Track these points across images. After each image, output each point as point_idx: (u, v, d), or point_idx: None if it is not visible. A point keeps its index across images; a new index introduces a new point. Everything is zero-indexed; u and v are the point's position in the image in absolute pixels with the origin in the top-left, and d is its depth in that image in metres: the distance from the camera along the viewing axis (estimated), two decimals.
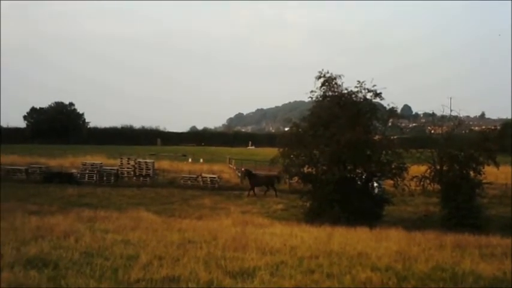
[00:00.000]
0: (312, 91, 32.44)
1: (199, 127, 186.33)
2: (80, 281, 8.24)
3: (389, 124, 34.43)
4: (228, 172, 55.46)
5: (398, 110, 35.71)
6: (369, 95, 32.02)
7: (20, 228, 14.37)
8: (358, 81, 31.85)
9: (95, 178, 49.16)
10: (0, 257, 9.21)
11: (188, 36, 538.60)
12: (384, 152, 31.35)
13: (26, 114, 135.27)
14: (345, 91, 32.18)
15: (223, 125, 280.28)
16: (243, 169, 40.91)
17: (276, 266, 10.45)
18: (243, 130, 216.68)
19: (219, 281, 8.73)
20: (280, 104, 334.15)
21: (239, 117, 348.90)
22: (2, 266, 9.06)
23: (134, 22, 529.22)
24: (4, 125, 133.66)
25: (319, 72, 32.00)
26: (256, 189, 43.56)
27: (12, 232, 13.44)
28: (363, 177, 31.93)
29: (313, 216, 29.24)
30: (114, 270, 9.22)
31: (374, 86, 31.68)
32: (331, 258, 11.76)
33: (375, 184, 33.09)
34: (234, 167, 57.45)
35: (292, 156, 32.09)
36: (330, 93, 32.32)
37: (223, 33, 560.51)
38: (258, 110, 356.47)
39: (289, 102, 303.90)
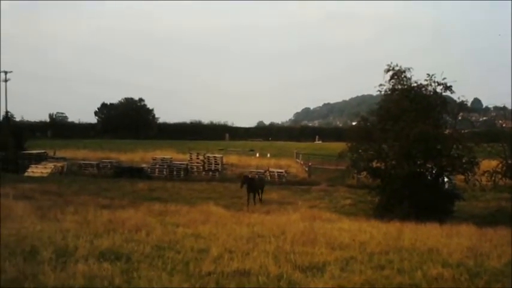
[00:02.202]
0: (380, 84, 32.13)
1: (266, 122, 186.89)
2: (152, 274, 8.38)
3: (459, 118, 33.75)
4: (295, 167, 55.40)
5: (469, 104, 34.98)
6: (438, 88, 31.46)
7: (92, 222, 14.74)
8: (428, 74, 31.35)
9: (165, 172, 49.97)
10: None
11: (258, 33, 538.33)
12: (454, 146, 30.70)
13: (96, 109, 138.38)
14: (414, 84, 31.73)
15: (290, 119, 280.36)
16: (242, 175, 38.82)
17: (345, 261, 10.43)
18: (310, 124, 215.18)
19: (289, 275, 8.76)
20: (347, 98, 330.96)
21: (306, 111, 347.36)
22: (76, 258, 9.32)
23: (206, 15, 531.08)
24: (76, 120, 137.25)
25: (388, 65, 31.65)
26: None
27: (85, 225, 13.81)
28: (433, 172, 31.40)
29: (382, 212, 28.99)
30: (185, 264, 9.36)
31: (444, 79, 31.11)
32: (401, 254, 11.67)
33: (445, 179, 32.53)
34: (302, 162, 57.34)
35: (360, 150, 31.82)
36: (399, 87, 31.91)
37: (294, 29, 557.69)
38: (325, 104, 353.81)
39: (357, 96, 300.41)
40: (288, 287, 8.21)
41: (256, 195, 34.28)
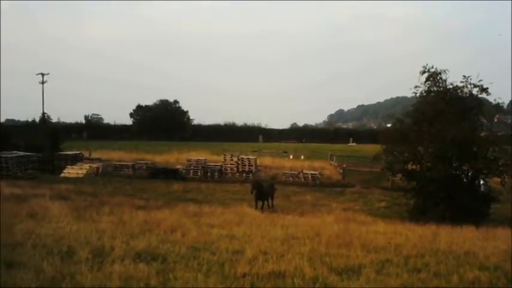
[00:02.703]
0: (416, 86, 31.89)
1: (300, 124, 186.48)
2: (188, 275, 8.39)
3: (496, 120, 33.37)
4: (329, 169, 55.25)
5: (505, 106, 34.55)
6: (474, 90, 31.13)
7: (128, 223, 14.87)
8: (464, 76, 31.03)
9: (199, 174, 50.27)
10: None
11: (290, 34, 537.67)
12: (490, 148, 30.36)
13: (132, 111, 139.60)
14: (450, 86, 31.43)
15: (324, 121, 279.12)
16: (253, 180, 36.97)
17: (381, 264, 10.34)
18: (344, 126, 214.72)
19: (324, 277, 8.71)
20: (382, 100, 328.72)
21: (340, 113, 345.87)
22: (113, 258, 9.39)
23: (246, 20, 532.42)
24: (111, 122, 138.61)
25: (424, 67, 31.43)
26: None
27: (121, 226, 13.91)
28: (469, 174, 31.09)
29: (417, 214, 28.81)
30: (220, 265, 9.36)
31: (480, 81, 30.75)
32: (437, 257, 11.54)
33: (481, 181, 32.18)
34: (336, 164, 57.16)
35: (395, 152, 31.66)
36: (435, 89, 31.64)
37: (327, 29, 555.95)
38: (359, 106, 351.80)
39: (391, 98, 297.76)
40: None
41: (265, 202, 31.71)
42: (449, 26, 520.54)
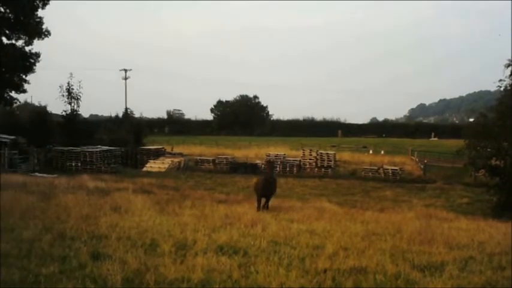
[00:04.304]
0: (500, 80, 31.17)
1: (380, 118, 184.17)
2: (269, 269, 8.45)
3: None
4: (410, 164, 54.47)
5: None
6: None
7: (209, 216, 15.06)
8: None
9: (278, 169, 50.37)
10: None
11: (368, 28, 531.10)
12: None
13: (212, 107, 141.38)
14: None
15: (405, 116, 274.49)
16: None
17: (464, 261, 10.17)
18: (425, 121, 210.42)
19: (407, 274, 8.64)
20: (464, 94, 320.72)
21: (421, 107, 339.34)
22: (195, 251, 9.58)
23: (320, 13, 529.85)
24: (192, 117, 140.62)
25: (508, 60, 30.64)
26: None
27: (203, 219, 14.12)
28: None
29: (501, 211, 28.14)
30: (301, 259, 9.39)
31: None
32: None
33: None
34: (417, 159, 56.29)
35: (478, 147, 31.06)
36: None
37: (405, 24, 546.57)
38: (440, 100, 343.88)
39: (474, 92, 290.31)
40: (406, 286, 8.12)
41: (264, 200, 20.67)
42: None
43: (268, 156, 52.32)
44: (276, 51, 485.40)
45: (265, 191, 19.88)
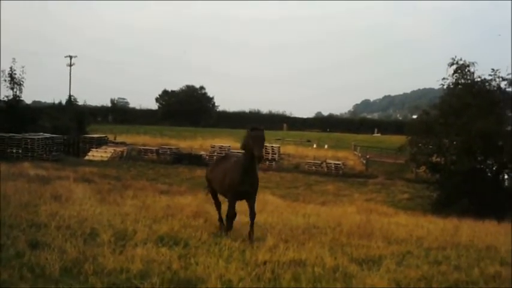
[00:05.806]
0: (443, 78, 31.74)
1: (325, 113, 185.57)
2: (209, 260, 8.43)
3: None
4: (352, 159, 55.11)
5: None
6: (503, 84, 30.90)
7: (151, 207, 14.96)
8: (492, 69, 30.82)
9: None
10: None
11: (317, 24, 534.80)
12: None
13: (158, 96, 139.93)
14: (478, 79, 31.20)
15: (349, 111, 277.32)
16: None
17: (402, 255, 10.35)
18: (369, 117, 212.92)
19: (345, 267, 8.72)
20: (408, 91, 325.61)
21: (365, 103, 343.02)
22: (135, 241, 9.47)
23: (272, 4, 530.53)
24: (137, 106, 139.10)
25: (452, 59, 31.27)
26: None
27: (144, 210, 14.00)
28: (494, 168, 30.90)
29: (440, 207, 28.72)
30: (241, 251, 9.41)
31: (509, 74, 30.47)
32: (458, 250, 11.52)
33: (505, 176, 31.97)
34: (359, 154, 56.97)
35: (420, 144, 31.62)
36: (462, 81, 31.44)
37: (356, 22, 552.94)
38: (385, 96, 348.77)
39: (418, 89, 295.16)
40: (344, 279, 8.18)
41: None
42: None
43: (213, 147, 52.20)
44: (223, 39, 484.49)
45: (244, 187, 11.67)
